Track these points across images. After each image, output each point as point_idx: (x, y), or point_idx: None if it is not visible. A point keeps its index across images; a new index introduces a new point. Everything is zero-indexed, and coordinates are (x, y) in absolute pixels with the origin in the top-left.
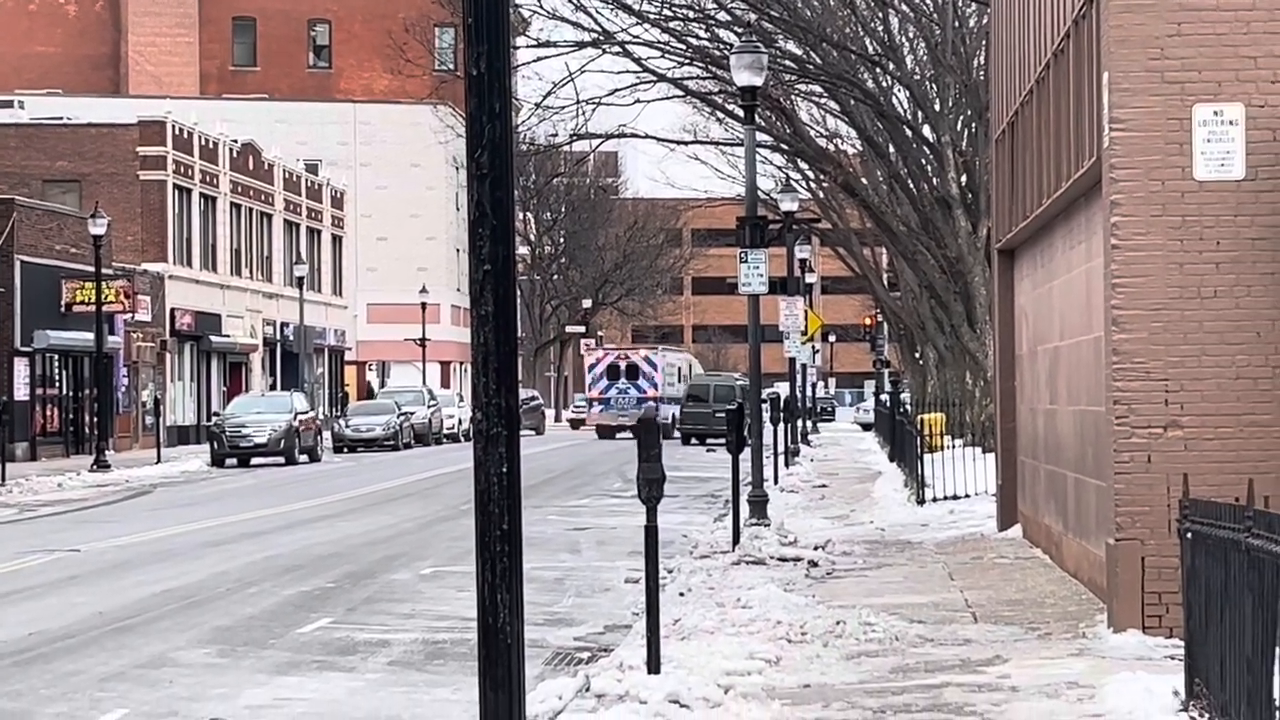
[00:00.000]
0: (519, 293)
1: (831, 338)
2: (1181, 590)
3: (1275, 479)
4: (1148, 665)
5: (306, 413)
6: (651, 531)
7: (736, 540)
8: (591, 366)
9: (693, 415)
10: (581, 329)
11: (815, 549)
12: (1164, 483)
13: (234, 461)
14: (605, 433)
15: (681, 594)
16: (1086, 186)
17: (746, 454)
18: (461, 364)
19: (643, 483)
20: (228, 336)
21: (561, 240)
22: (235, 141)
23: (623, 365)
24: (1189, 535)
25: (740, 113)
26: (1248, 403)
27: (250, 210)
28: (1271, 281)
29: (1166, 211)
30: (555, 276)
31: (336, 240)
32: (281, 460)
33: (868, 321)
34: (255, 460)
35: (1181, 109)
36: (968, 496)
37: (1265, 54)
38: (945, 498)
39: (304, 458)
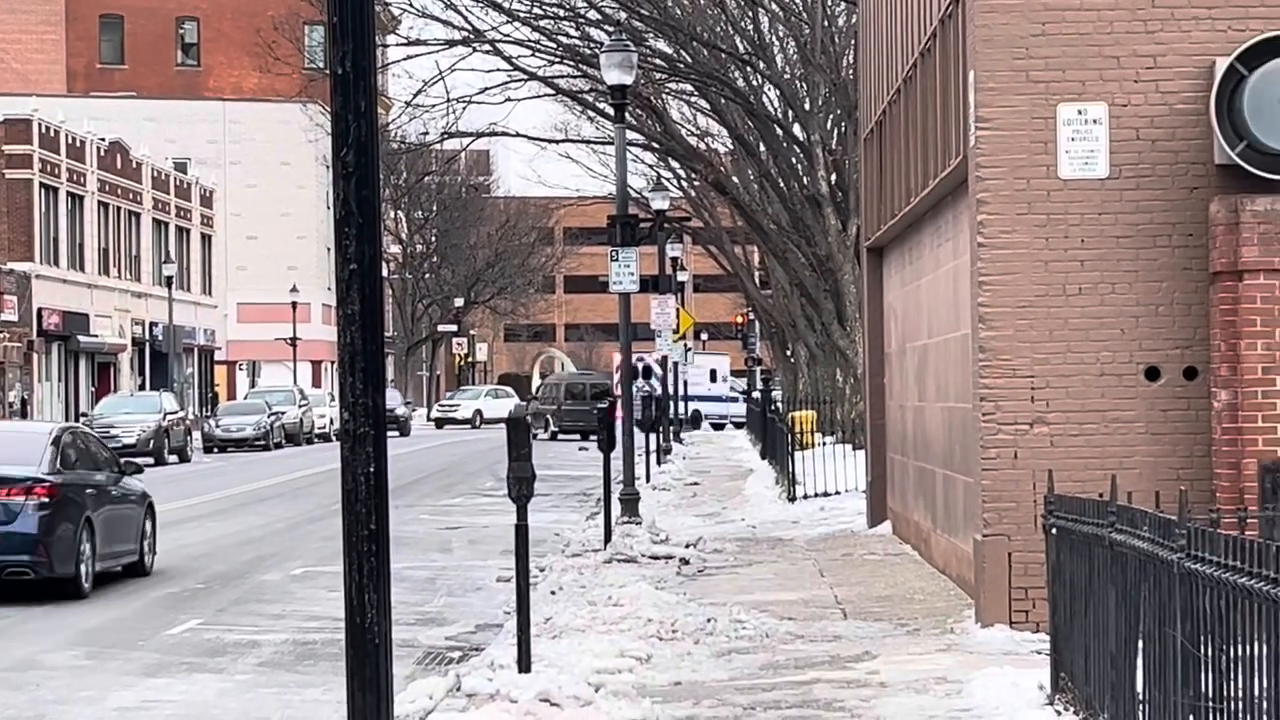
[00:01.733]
0: (390, 292)
1: (704, 336)
2: (1047, 585)
3: (1139, 474)
4: (1014, 660)
5: (176, 413)
6: (522, 530)
7: (608, 538)
8: (618, 368)
9: (571, 412)
10: (453, 328)
11: (687, 547)
12: (1030, 479)
13: None
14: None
15: (553, 592)
16: (953, 185)
17: (618, 452)
18: (333, 363)
19: (513, 481)
20: (96, 336)
21: (433, 239)
22: (103, 140)
23: (640, 367)
24: (1054, 531)
25: (611, 111)
26: (1112, 399)
27: (118, 209)
28: (1135, 279)
29: (1032, 210)
30: (427, 275)
31: (206, 239)
32: (151, 461)
33: (739, 319)
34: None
35: (1046, 108)
36: (838, 493)
37: (1128, 53)
38: (816, 495)
39: (174, 458)
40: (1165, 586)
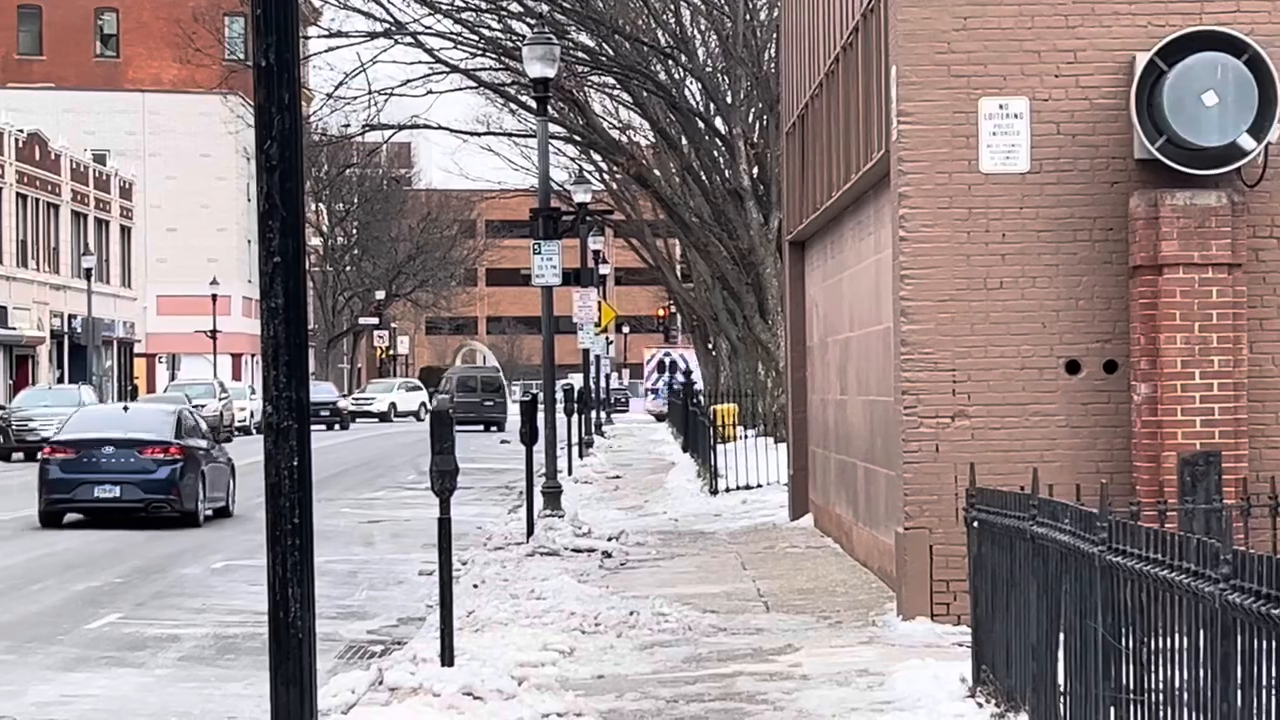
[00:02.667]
0: (310, 284)
1: (625, 329)
2: (969, 578)
3: (1059, 468)
4: (936, 652)
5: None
6: (444, 524)
7: (531, 532)
8: (648, 361)
9: (464, 404)
10: (375, 320)
11: (609, 540)
12: (951, 472)
13: (20, 456)
14: (658, 417)
15: (476, 586)
16: (875, 179)
17: (541, 445)
18: (253, 356)
19: (436, 475)
20: (14, 329)
21: (354, 231)
22: (20, 131)
23: (667, 361)
24: (975, 524)
25: (533, 104)
26: (1033, 393)
27: (36, 201)
28: (1056, 273)
29: (954, 204)
30: (348, 268)
31: (125, 231)
32: None
33: (661, 313)
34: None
35: (968, 102)
36: (760, 486)
37: (1049, 48)
38: (738, 488)
39: None
40: (1087, 579)
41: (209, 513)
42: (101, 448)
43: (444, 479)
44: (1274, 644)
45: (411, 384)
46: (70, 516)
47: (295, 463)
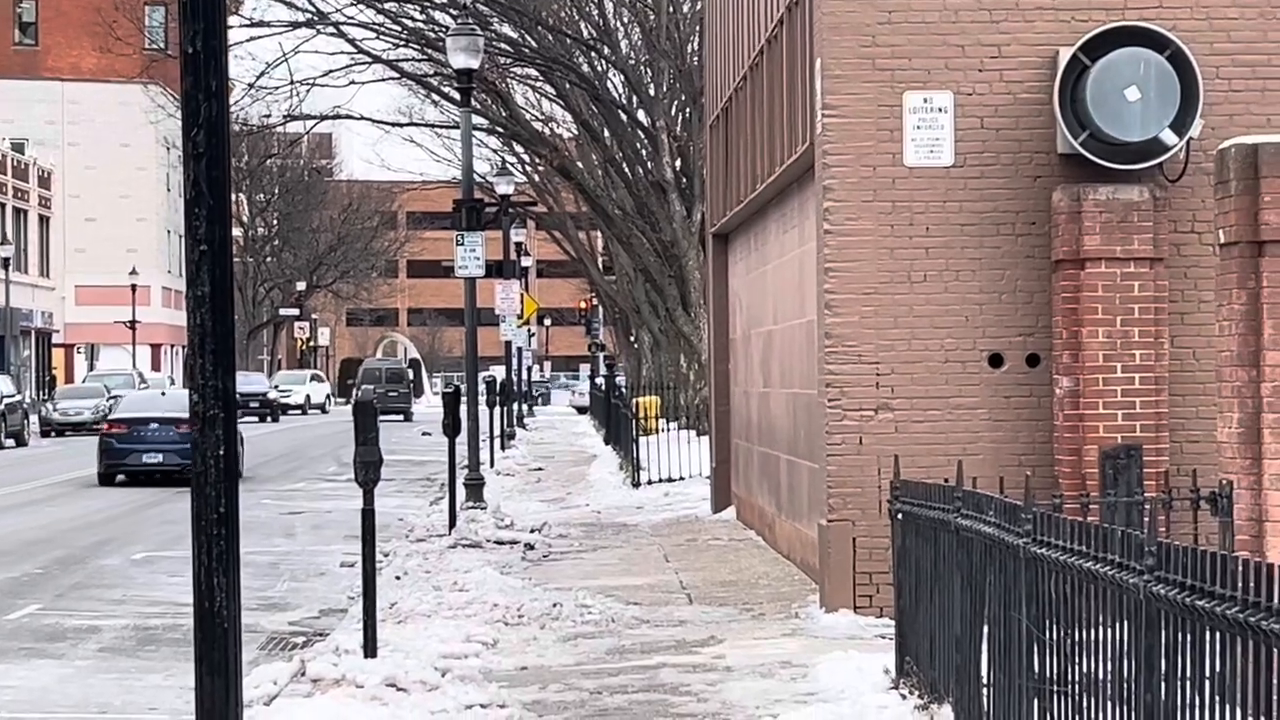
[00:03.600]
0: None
1: (547, 321)
2: (892, 570)
3: (982, 461)
4: (859, 644)
5: (12, 396)
6: (368, 515)
7: (453, 524)
8: None
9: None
10: (295, 312)
11: (532, 532)
12: (875, 464)
13: None
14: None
15: (398, 577)
16: (799, 172)
17: (463, 438)
18: (173, 347)
19: (360, 466)
20: None
21: (275, 222)
22: None
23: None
24: (899, 516)
25: (456, 95)
26: (956, 385)
27: None
28: (979, 266)
29: (878, 197)
30: (269, 259)
31: (44, 221)
32: None
33: (583, 305)
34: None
35: (893, 96)
36: (683, 479)
37: (973, 43)
38: (661, 480)
39: (10, 442)
40: (1011, 571)
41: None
42: (148, 424)
43: (368, 470)
44: (1198, 636)
45: (316, 375)
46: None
47: (221, 451)
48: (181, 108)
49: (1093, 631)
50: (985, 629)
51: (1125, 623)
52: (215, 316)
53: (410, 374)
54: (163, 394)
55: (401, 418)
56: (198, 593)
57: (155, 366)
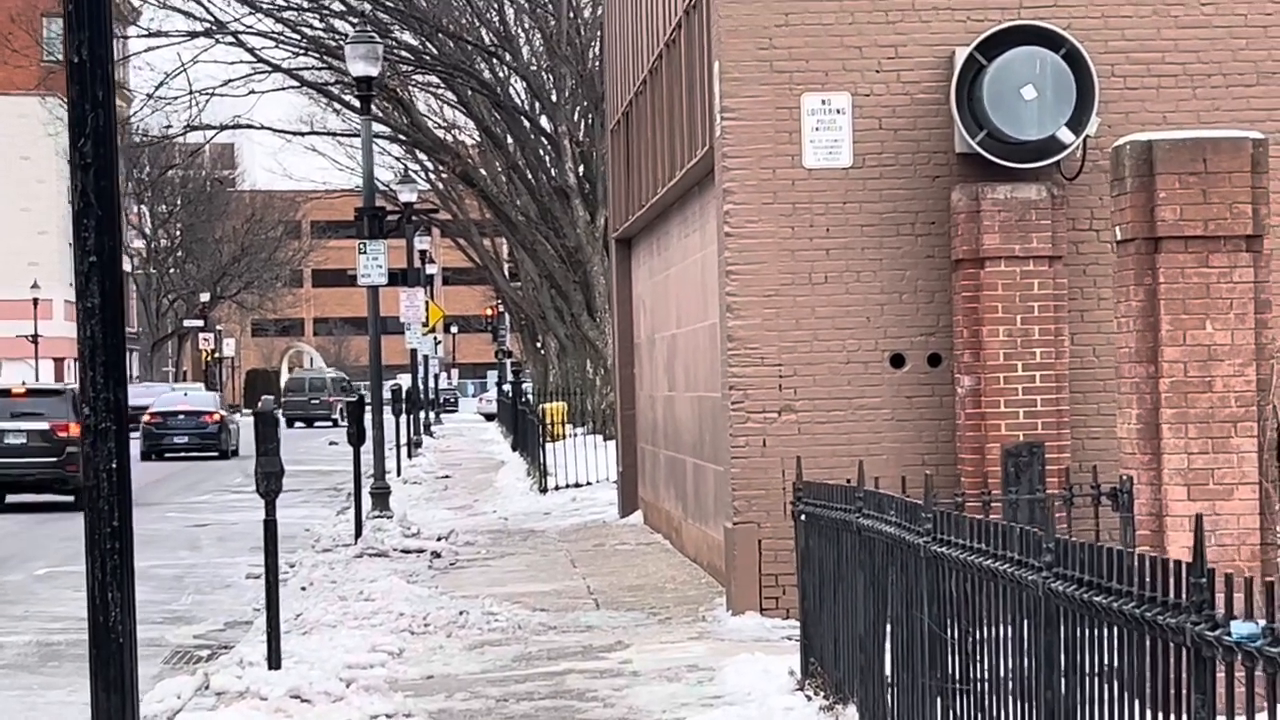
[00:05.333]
0: (134, 287)
1: (454, 329)
2: (797, 571)
3: (885, 460)
4: (765, 646)
5: None
6: (270, 525)
7: (359, 533)
8: None
9: (293, 403)
10: (200, 323)
11: (438, 540)
12: (779, 466)
13: None
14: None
15: (304, 588)
16: (700, 175)
17: (369, 446)
18: (76, 360)
19: (261, 477)
20: None
21: (178, 233)
22: None
23: None
24: (803, 517)
25: (357, 103)
26: (859, 386)
27: None
28: (880, 267)
29: (778, 199)
30: (172, 270)
31: None
32: None
33: (489, 312)
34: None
35: (790, 98)
36: (590, 484)
37: (870, 43)
38: (568, 486)
39: None
40: (912, 570)
41: (234, 447)
42: (176, 416)
43: (269, 480)
44: (1096, 632)
45: (195, 387)
46: None
47: (114, 465)
48: (69, 118)
49: (994, 629)
50: (889, 629)
51: (1025, 620)
52: (106, 328)
53: (329, 382)
54: (185, 394)
55: (330, 425)
56: (92, 608)
57: (59, 380)
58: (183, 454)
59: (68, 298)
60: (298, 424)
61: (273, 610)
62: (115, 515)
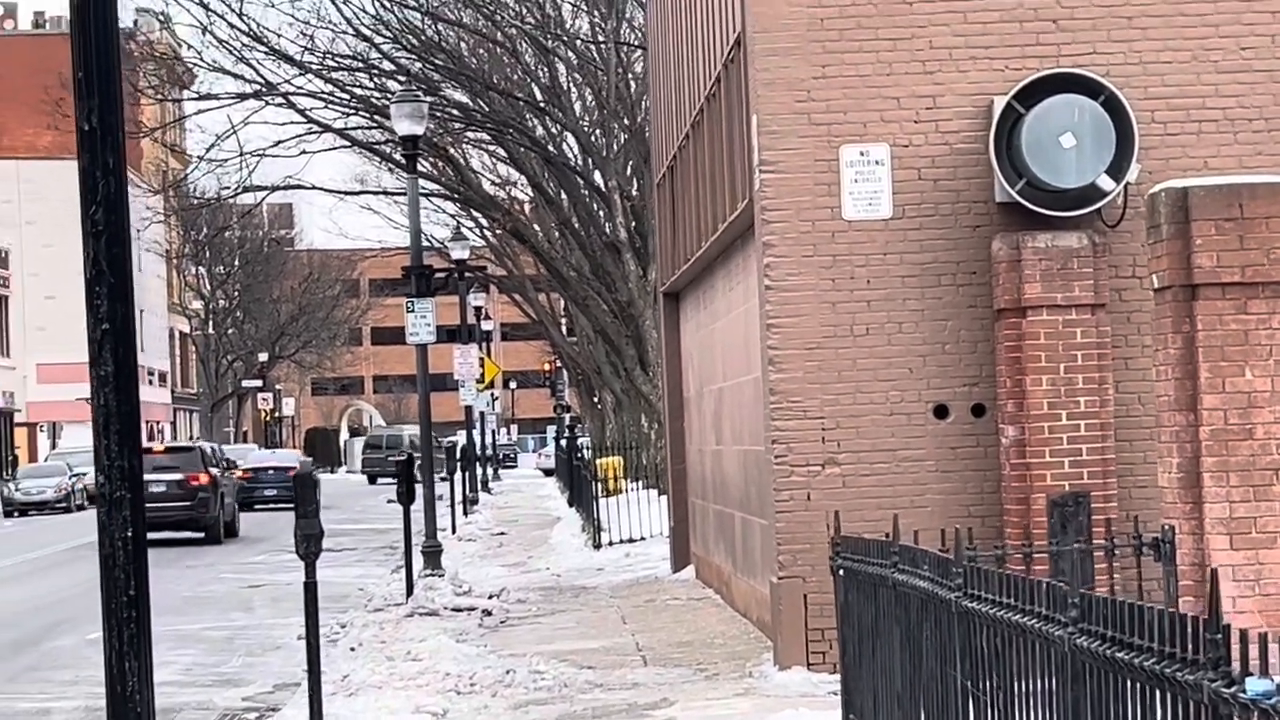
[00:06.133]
0: (194, 348)
1: (512, 384)
2: (837, 627)
3: (930, 512)
4: (811, 702)
5: None
6: (311, 588)
7: (410, 592)
8: None
9: (371, 460)
10: (259, 383)
11: (490, 598)
12: (823, 520)
13: None
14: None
15: (353, 649)
16: (742, 228)
17: (420, 505)
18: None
19: (300, 539)
20: None
21: (236, 294)
22: None
23: None
24: (841, 571)
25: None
26: (902, 438)
27: None
28: (921, 318)
29: (818, 251)
30: (230, 330)
31: (2, 300)
32: None
33: (548, 367)
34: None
35: (829, 150)
36: (644, 539)
37: (907, 94)
38: (622, 541)
39: None
40: (945, 625)
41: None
42: (266, 471)
43: (309, 543)
44: (1119, 688)
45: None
46: None
47: (129, 533)
48: (80, 186)
49: (1025, 685)
50: (924, 684)
51: (1054, 676)
52: (119, 396)
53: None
54: (273, 453)
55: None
56: (110, 677)
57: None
58: (271, 505)
59: None
60: (380, 480)
61: (314, 673)
62: (132, 584)
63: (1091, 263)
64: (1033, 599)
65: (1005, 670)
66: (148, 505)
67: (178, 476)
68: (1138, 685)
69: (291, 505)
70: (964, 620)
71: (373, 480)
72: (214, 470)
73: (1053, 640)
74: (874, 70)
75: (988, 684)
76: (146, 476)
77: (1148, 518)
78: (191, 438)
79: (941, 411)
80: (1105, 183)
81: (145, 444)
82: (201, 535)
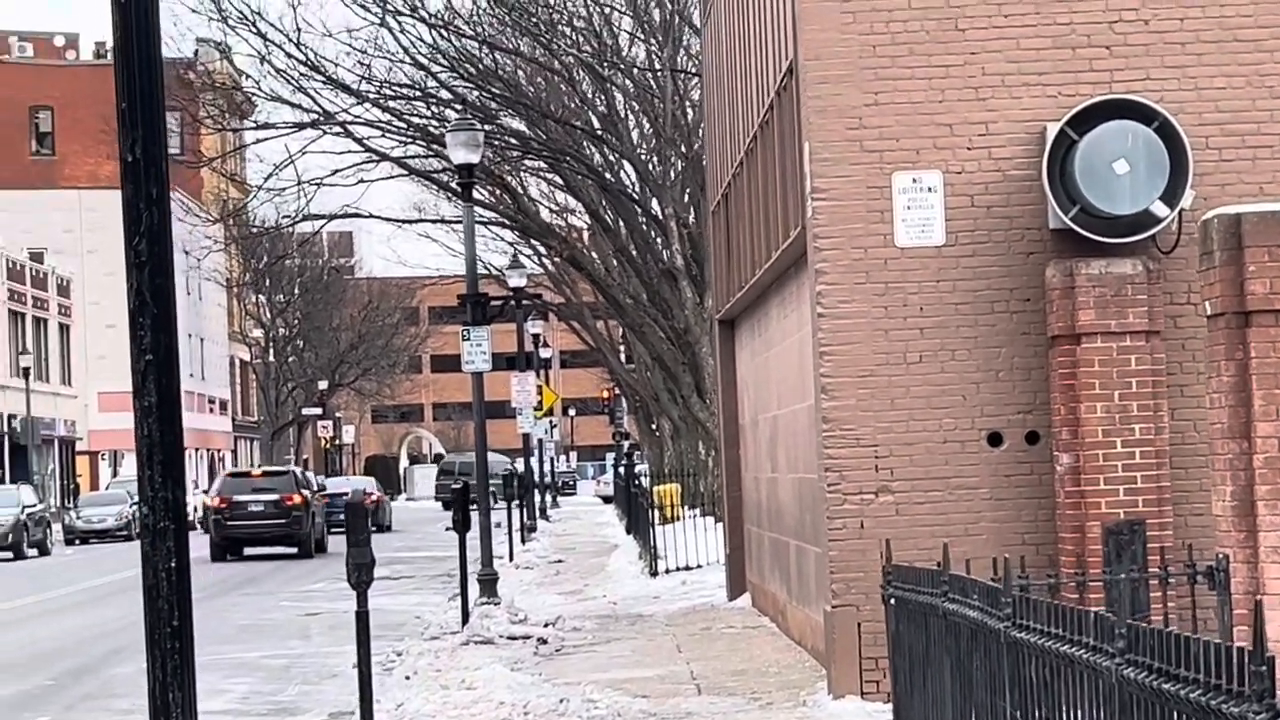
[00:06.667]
0: (253, 376)
1: (572, 411)
2: (888, 656)
3: (984, 540)
4: None
5: (35, 505)
6: (363, 617)
7: (466, 620)
8: None
9: (444, 487)
10: (318, 411)
11: (545, 626)
12: (877, 548)
13: None
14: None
15: (408, 677)
16: (795, 256)
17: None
18: (197, 450)
19: (352, 568)
20: None
21: (296, 322)
22: None
23: None
24: (892, 601)
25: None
26: (955, 466)
27: None
28: (975, 345)
29: (870, 279)
30: (290, 358)
31: (64, 329)
32: (10, 555)
33: (606, 394)
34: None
35: (881, 177)
36: (700, 567)
37: (960, 120)
38: (678, 569)
39: (33, 551)
40: (994, 655)
41: (388, 522)
42: (339, 499)
43: (360, 571)
44: (1168, 719)
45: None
46: None
47: (173, 564)
48: (123, 216)
49: (1074, 714)
50: (974, 715)
51: (1102, 706)
52: (163, 426)
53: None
54: (348, 479)
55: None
56: (153, 709)
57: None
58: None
59: (188, 388)
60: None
61: (366, 704)
62: (175, 614)
63: (1146, 289)
64: (1080, 629)
65: (1054, 701)
66: (248, 523)
67: (274, 497)
68: (1184, 717)
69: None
70: (1013, 650)
71: (447, 506)
72: (305, 492)
73: (1100, 671)
74: (926, 97)
75: (1037, 715)
76: (246, 497)
77: (1203, 546)
78: (253, 463)
79: (995, 439)
80: (1159, 209)
81: (243, 469)
82: (295, 550)
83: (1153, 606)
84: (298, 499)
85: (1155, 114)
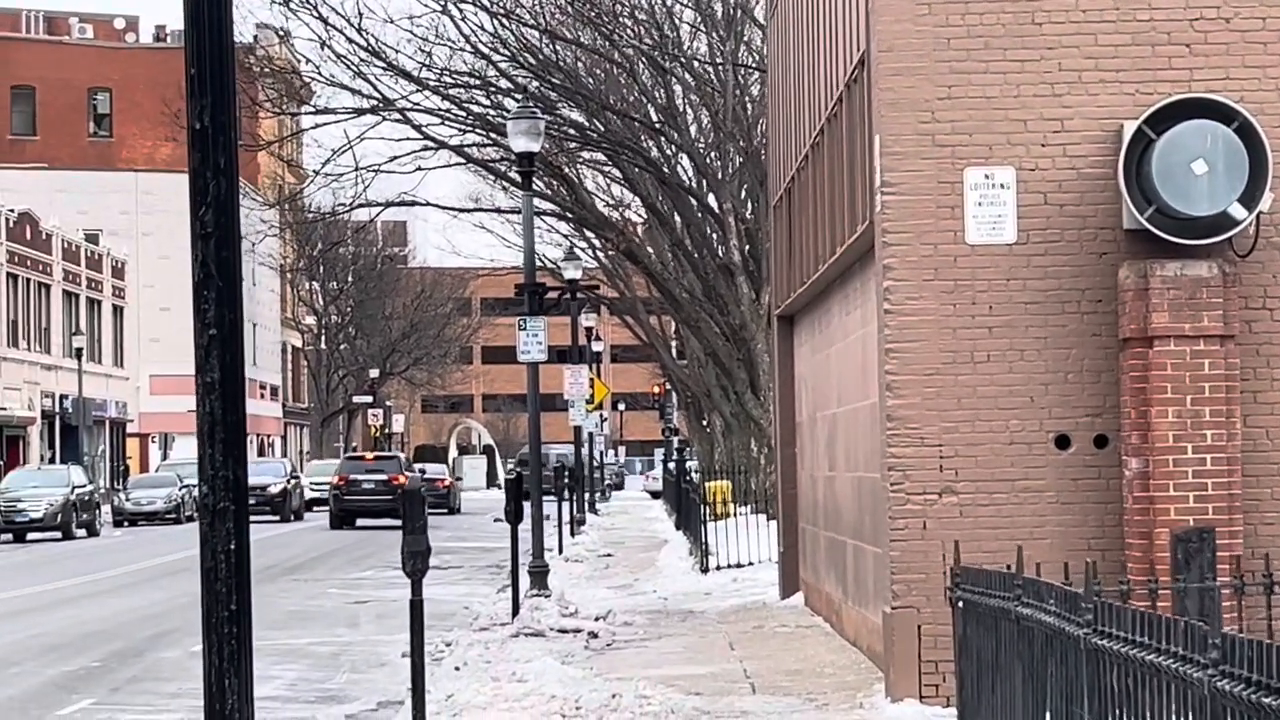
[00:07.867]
0: (305, 363)
1: (621, 406)
2: (954, 660)
3: (1050, 545)
4: None
5: (84, 486)
6: (417, 606)
7: (516, 612)
8: None
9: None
10: (369, 399)
11: (596, 620)
12: (940, 549)
13: (9, 537)
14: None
15: (457, 668)
16: (861, 251)
17: (528, 524)
18: (248, 435)
19: (407, 556)
20: (5, 409)
21: (349, 309)
22: (12, 211)
23: None
24: (960, 604)
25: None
26: (1022, 468)
27: (28, 280)
28: (1044, 345)
29: (939, 276)
30: (343, 346)
31: (118, 311)
32: (59, 535)
33: (657, 390)
34: (31, 535)
35: (953, 172)
36: (751, 564)
37: (1035, 117)
38: (729, 566)
39: (82, 532)
40: (1072, 662)
41: (457, 505)
42: (434, 484)
43: (415, 560)
44: None
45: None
46: None
47: (232, 546)
48: (190, 186)
49: None
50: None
51: (1190, 717)
52: (225, 404)
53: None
54: (422, 469)
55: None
56: (208, 696)
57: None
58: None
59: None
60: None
61: (418, 694)
62: (233, 599)
63: (1221, 293)
64: (1169, 638)
65: (1136, 711)
66: (361, 498)
67: (383, 477)
68: None
69: (439, 510)
70: (1093, 658)
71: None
72: (409, 474)
73: (1191, 682)
74: (1001, 92)
75: None
76: (360, 477)
77: (1276, 554)
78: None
79: (1063, 442)
80: (1237, 211)
81: (358, 454)
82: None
83: (1224, 616)
84: (402, 479)
85: (1235, 114)
